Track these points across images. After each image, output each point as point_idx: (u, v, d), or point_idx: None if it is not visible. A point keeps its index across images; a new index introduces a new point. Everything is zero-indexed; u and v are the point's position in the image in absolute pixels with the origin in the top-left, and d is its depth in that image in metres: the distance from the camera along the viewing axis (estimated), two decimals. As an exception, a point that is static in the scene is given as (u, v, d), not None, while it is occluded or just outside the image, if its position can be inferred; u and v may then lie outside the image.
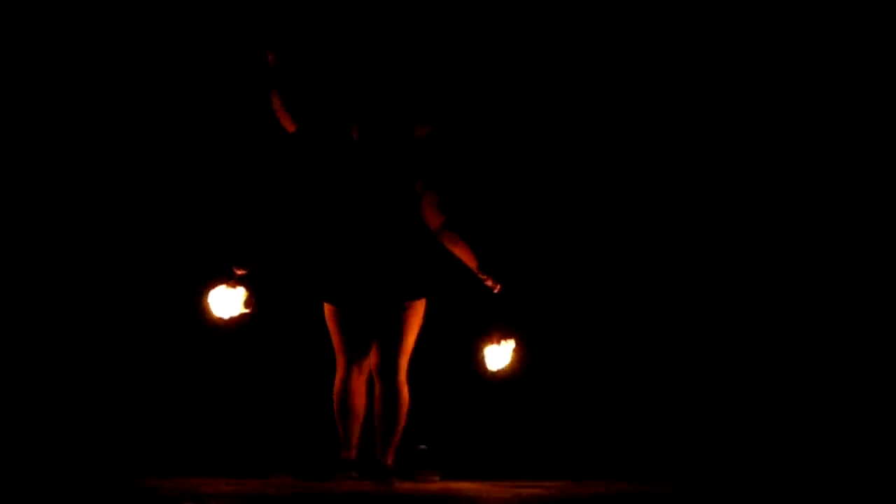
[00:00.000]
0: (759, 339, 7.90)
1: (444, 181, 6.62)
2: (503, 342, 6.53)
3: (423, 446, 6.90)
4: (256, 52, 6.79)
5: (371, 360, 6.49)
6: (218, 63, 7.64)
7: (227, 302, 6.41)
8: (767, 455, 7.60)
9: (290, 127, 6.71)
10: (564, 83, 7.96)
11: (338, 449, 6.53)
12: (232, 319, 6.45)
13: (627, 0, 7.99)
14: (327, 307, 6.51)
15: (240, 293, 6.38)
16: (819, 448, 7.56)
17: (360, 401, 6.48)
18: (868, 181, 7.96)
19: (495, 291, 6.44)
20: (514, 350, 6.55)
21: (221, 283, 6.40)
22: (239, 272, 6.38)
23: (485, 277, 6.43)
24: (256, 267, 6.42)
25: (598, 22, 7.98)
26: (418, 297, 6.46)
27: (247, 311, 6.43)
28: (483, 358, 6.56)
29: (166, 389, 7.61)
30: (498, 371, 6.56)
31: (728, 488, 6.61)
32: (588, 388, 7.80)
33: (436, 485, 6.54)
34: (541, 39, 7.92)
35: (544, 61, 7.93)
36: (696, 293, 7.96)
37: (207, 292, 6.41)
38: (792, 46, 7.98)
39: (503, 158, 7.86)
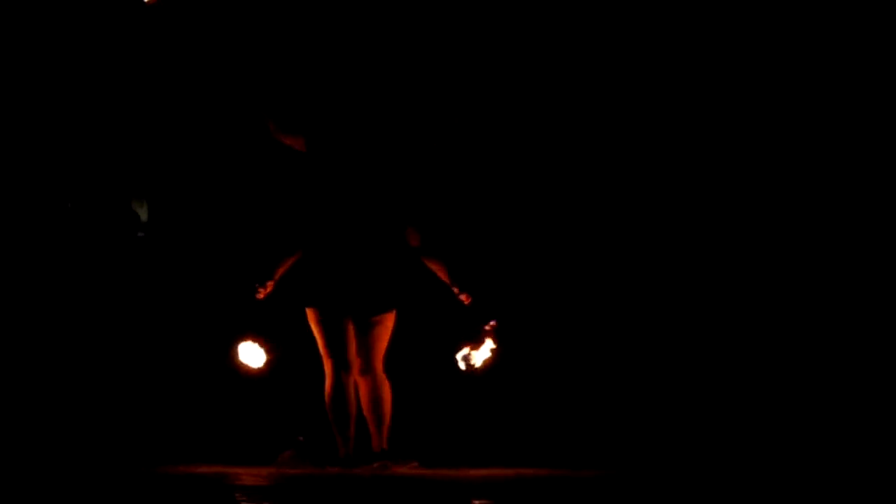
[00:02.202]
0: (724, 334, 8.19)
1: (422, 201, 7.19)
2: (478, 343, 7.02)
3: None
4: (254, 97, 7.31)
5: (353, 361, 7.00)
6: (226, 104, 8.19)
7: (253, 356, 7.09)
8: (735, 445, 7.79)
9: (301, 146, 7.09)
10: (528, 105, 8.36)
11: (336, 443, 7.01)
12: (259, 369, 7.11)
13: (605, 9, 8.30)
14: (311, 313, 7.02)
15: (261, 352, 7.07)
16: (788, 438, 7.81)
17: (351, 400, 6.98)
18: (868, 181, 8.16)
19: (466, 304, 7.00)
20: (488, 350, 7.01)
21: (248, 339, 7.06)
22: (262, 291, 6.94)
23: (457, 291, 7.01)
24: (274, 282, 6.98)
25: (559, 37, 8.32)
26: (388, 311, 7.02)
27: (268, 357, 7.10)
28: (460, 357, 7.05)
29: (182, 388, 8.24)
30: (474, 369, 7.04)
31: (694, 476, 6.86)
32: (559, 383, 8.20)
33: (418, 469, 6.98)
34: (504, 66, 8.32)
35: (509, 85, 8.33)
36: (661, 291, 8.29)
37: (237, 347, 7.06)
38: (791, 47, 8.20)
39: (476, 174, 8.36)
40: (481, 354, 7.08)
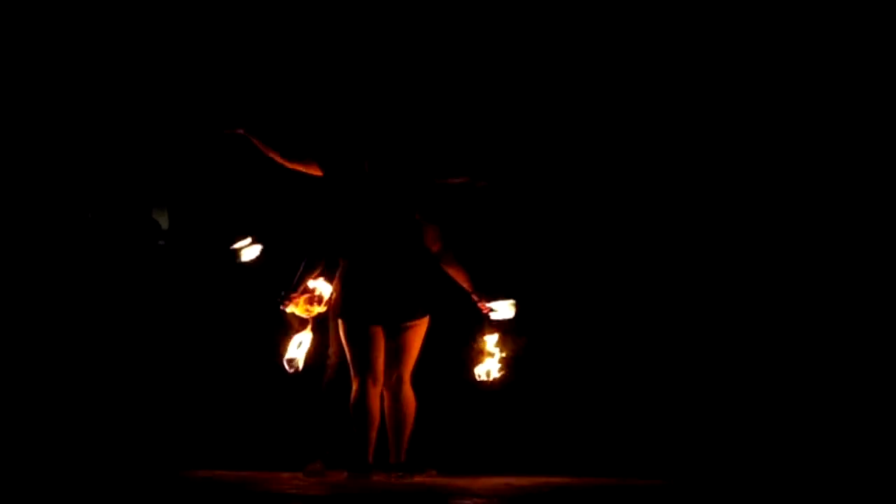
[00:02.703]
0: (742, 340, 8.22)
1: (442, 212, 7.23)
2: (495, 353, 7.11)
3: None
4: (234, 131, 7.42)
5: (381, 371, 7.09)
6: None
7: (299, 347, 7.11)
8: (758, 451, 7.87)
9: (317, 171, 7.29)
10: (544, 118, 8.46)
11: (357, 452, 7.08)
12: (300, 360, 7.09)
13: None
14: (343, 324, 7.12)
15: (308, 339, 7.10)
16: (810, 446, 7.83)
17: (375, 411, 7.08)
18: (868, 182, 8.19)
19: (485, 313, 7.10)
20: (505, 358, 7.11)
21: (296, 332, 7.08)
22: (287, 302, 7.02)
23: (477, 299, 7.11)
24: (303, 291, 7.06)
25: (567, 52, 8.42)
26: (422, 317, 7.13)
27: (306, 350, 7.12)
28: (476, 367, 7.14)
29: (206, 392, 8.35)
30: (491, 379, 7.12)
31: (720, 484, 6.94)
32: (576, 391, 8.27)
33: (436, 478, 7.14)
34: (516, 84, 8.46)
35: (526, 96, 8.45)
36: (679, 297, 8.34)
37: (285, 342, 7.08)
38: (790, 48, 8.24)
39: (495, 182, 8.17)
40: (495, 365, 7.14)
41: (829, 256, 8.27)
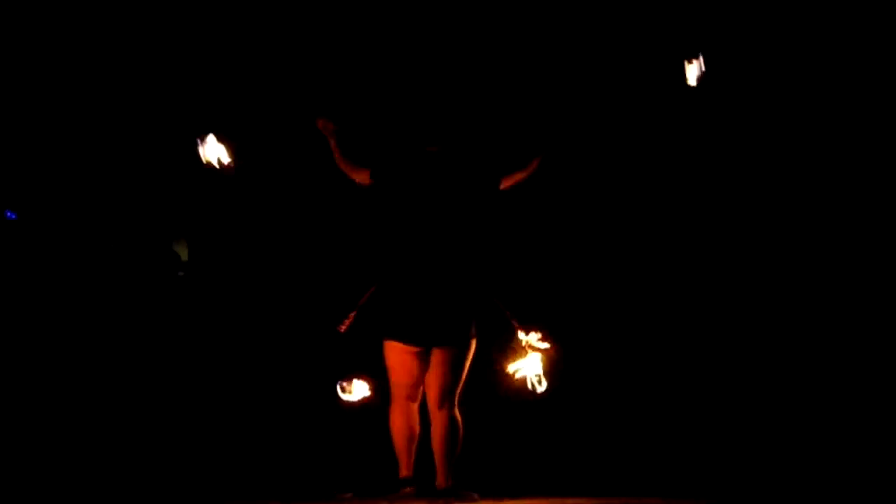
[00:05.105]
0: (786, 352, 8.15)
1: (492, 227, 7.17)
2: (532, 367, 6.96)
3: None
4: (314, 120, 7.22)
5: (428, 393, 6.98)
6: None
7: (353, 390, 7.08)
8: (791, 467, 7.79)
9: (365, 180, 7.10)
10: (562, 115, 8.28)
11: (395, 469, 7.00)
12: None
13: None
14: (390, 345, 7.01)
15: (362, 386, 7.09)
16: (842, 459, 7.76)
17: (415, 425, 6.98)
18: (868, 181, 8.14)
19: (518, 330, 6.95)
20: (542, 372, 6.96)
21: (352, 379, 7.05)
22: (342, 327, 6.97)
23: (515, 321, 6.96)
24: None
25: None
26: (469, 341, 6.98)
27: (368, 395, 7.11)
28: (512, 381, 6.99)
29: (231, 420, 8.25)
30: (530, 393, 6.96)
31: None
32: (614, 408, 8.20)
33: (481, 502, 6.95)
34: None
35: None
36: (704, 301, 8.29)
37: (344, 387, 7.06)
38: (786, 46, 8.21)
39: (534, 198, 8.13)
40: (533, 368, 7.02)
41: (843, 266, 8.23)
